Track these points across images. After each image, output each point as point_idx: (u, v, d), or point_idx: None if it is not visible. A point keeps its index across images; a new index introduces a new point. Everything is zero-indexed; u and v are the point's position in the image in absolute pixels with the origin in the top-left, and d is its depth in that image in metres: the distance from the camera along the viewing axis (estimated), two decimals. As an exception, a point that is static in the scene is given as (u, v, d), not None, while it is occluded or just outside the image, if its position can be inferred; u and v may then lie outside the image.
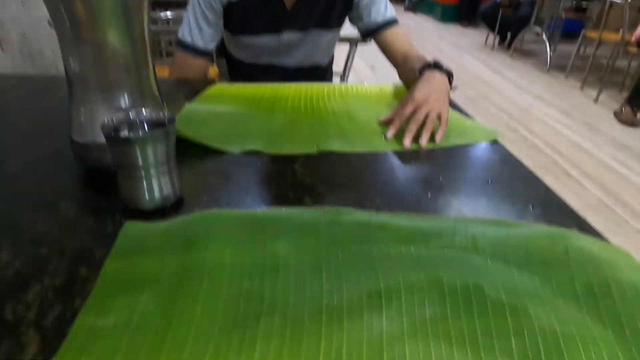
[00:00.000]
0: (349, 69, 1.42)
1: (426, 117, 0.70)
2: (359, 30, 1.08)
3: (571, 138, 2.67)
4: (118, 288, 0.37)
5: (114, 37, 0.48)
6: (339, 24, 1.08)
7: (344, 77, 1.43)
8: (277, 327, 0.34)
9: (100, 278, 0.38)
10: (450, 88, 0.82)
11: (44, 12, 1.31)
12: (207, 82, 1.00)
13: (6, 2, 1.34)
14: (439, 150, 0.68)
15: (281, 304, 0.37)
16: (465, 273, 0.41)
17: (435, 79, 0.78)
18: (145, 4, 0.50)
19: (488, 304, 0.37)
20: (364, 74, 3.69)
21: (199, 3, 0.97)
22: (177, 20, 1.66)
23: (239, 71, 1.15)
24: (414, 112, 0.71)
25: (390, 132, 0.70)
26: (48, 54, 1.52)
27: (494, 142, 0.71)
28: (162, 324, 0.34)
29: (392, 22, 1.02)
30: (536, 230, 0.47)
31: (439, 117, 0.71)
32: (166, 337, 0.33)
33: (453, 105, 0.87)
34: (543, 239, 0.45)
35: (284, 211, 0.49)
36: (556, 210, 0.53)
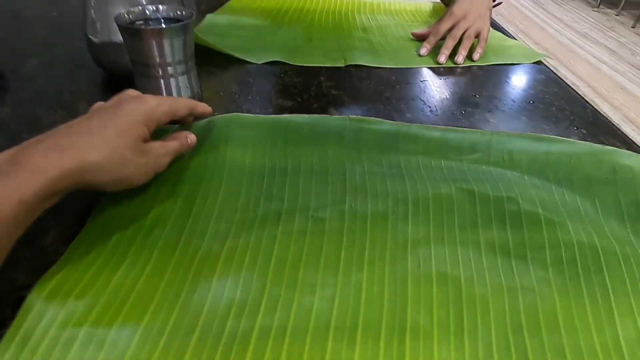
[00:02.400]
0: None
1: (464, 33, 0.64)
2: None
3: (615, 79, 2.49)
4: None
5: None
6: None
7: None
8: (298, 226, 0.33)
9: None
10: (494, 3, 0.75)
11: None
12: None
13: None
14: (476, 68, 0.63)
15: (302, 206, 0.35)
16: (500, 186, 0.38)
17: None
18: None
19: (523, 216, 0.35)
20: None
21: None
22: None
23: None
24: (451, 29, 0.65)
25: (424, 49, 0.65)
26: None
27: (538, 64, 0.65)
28: (179, 220, 0.33)
29: None
30: (581, 146, 0.43)
31: (478, 35, 0.65)
32: (183, 232, 0.32)
33: (495, 25, 0.79)
34: (588, 156, 0.42)
35: (308, 117, 0.46)
36: (604, 132, 0.48)
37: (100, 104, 0.36)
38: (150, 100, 0.34)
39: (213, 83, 0.56)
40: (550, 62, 2.69)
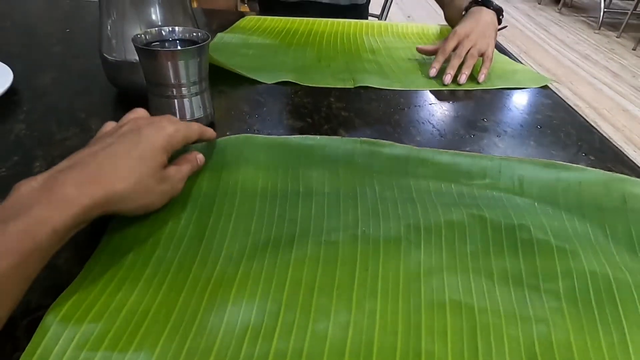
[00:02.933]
0: (388, 9, 1.34)
1: (468, 52, 0.66)
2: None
3: (617, 101, 2.51)
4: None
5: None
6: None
7: (381, 17, 1.36)
8: (311, 251, 0.33)
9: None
10: (499, 25, 0.76)
11: None
12: (238, 13, 0.96)
13: None
14: (483, 92, 0.63)
15: (315, 229, 0.35)
16: (510, 212, 0.38)
17: (482, 13, 0.72)
18: None
19: (535, 245, 0.35)
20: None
21: None
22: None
23: (271, 9, 1.09)
24: (456, 47, 0.66)
25: (433, 70, 0.66)
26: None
27: (545, 88, 0.66)
28: (193, 242, 0.34)
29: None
30: (591, 174, 0.44)
31: (483, 55, 0.66)
32: (196, 254, 0.32)
33: (501, 48, 0.81)
34: (598, 184, 0.42)
35: (319, 139, 0.47)
36: (611, 158, 0.49)
37: (111, 124, 0.37)
38: (168, 127, 0.35)
39: (224, 102, 0.56)
40: (553, 84, 2.71)
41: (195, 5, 1.03)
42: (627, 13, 3.55)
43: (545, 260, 0.34)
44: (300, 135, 0.47)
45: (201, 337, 0.27)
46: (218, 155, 0.43)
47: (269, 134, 0.49)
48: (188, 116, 0.46)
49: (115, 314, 0.28)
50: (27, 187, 0.27)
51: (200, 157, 0.40)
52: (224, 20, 0.87)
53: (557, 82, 2.72)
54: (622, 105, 2.47)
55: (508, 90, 0.64)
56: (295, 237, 0.34)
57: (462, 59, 0.65)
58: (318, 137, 0.47)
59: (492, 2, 0.76)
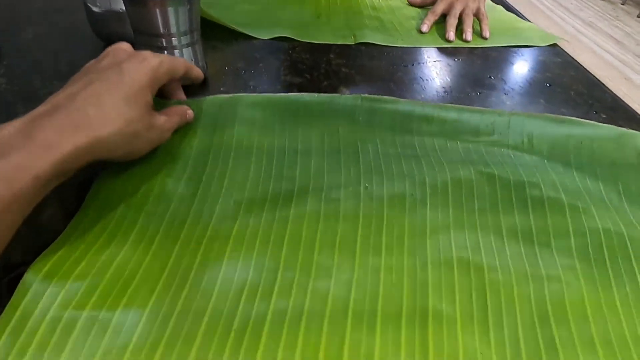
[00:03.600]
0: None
1: (463, 14, 0.64)
2: None
3: (620, 69, 2.46)
4: (137, 161, 0.34)
5: None
6: None
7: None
8: (311, 207, 0.31)
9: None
10: None
11: None
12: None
13: None
14: (489, 50, 0.60)
15: (315, 186, 0.33)
16: (520, 170, 0.36)
17: None
18: None
19: (545, 202, 0.33)
20: None
21: None
22: None
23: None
24: (447, 10, 0.64)
25: (425, 26, 0.63)
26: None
27: (553, 47, 0.63)
28: (185, 198, 0.31)
29: None
30: (603, 129, 0.42)
31: (477, 14, 0.64)
32: (189, 210, 0.31)
33: (508, 6, 0.77)
34: (611, 140, 0.40)
35: (317, 96, 0.44)
36: (624, 117, 0.47)
37: (93, 63, 0.33)
38: (151, 60, 0.32)
39: (218, 58, 0.53)
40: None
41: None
42: (633, -22, 3.44)
43: (557, 218, 0.32)
44: (298, 93, 0.45)
45: (195, 296, 0.25)
46: (210, 112, 0.40)
47: (265, 91, 0.46)
48: (179, 70, 0.44)
49: (102, 271, 0.26)
50: (3, 133, 0.25)
51: (190, 112, 0.37)
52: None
53: (566, 40, 2.66)
54: (624, 74, 2.42)
55: (515, 48, 0.61)
56: (294, 193, 0.32)
57: (457, 19, 0.63)
58: (316, 94, 0.45)
59: None
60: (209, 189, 0.33)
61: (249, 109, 0.41)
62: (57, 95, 0.28)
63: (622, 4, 3.48)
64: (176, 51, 0.43)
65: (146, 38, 0.42)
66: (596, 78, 0.55)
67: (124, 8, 0.44)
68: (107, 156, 0.29)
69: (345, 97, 0.44)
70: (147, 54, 0.32)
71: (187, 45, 0.43)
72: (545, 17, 3.15)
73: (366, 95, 0.44)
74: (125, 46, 0.34)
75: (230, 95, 0.43)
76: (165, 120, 0.33)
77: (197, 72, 0.39)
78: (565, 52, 0.62)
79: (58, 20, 0.59)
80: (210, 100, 0.41)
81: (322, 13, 0.67)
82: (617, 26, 3.05)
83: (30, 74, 0.47)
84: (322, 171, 0.35)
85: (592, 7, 3.41)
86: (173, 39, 0.42)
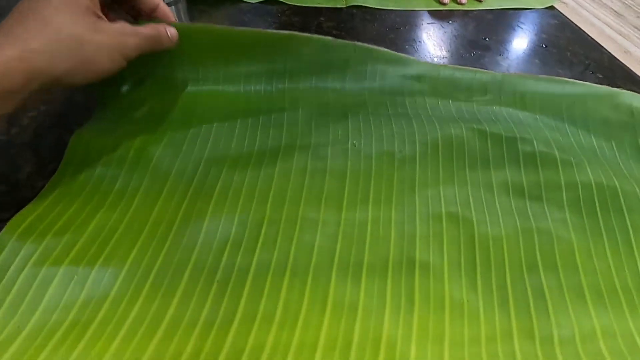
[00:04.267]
0: None
1: None
2: None
3: (619, 42, 2.43)
4: (117, 113, 0.33)
5: None
6: None
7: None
8: (297, 164, 0.30)
9: (98, 102, 0.34)
10: None
11: None
12: None
13: None
14: (485, 12, 0.59)
15: (302, 144, 0.32)
16: (512, 127, 0.35)
17: None
18: None
19: (537, 157, 0.32)
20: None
21: None
22: None
23: None
24: None
25: None
26: None
27: (551, 9, 0.61)
28: (167, 154, 0.30)
29: None
30: (597, 89, 0.41)
31: None
32: (172, 167, 0.30)
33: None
34: (604, 98, 0.39)
35: (309, 37, 0.40)
36: (620, 76, 0.46)
37: None
38: None
39: (202, 21, 0.51)
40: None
41: None
42: (635, -51, 3.36)
43: (549, 172, 0.31)
44: (290, 32, 0.41)
45: (176, 250, 0.25)
46: (189, 49, 0.37)
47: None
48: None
49: (82, 228, 0.25)
50: None
51: (172, 31, 0.31)
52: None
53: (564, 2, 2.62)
54: (624, 47, 2.39)
55: (511, 11, 0.60)
56: (280, 149, 0.31)
57: None
58: (308, 35, 0.41)
59: None
60: (195, 143, 0.32)
61: (235, 49, 0.37)
62: None
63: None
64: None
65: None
66: (593, 39, 0.54)
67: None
68: (52, 72, 0.25)
69: (338, 46, 0.41)
70: None
71: (169, 4, 0.41)
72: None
73: (360, 44, 0.42)
74: None
75: (219, 27, 0.38)
76: (124, 24, 0.28)
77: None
78: (563, 14, 0.61)
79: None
80: (187, 31, 0.37)
81: (312, -24, 0.65)
82: (618, -2, 3.00)
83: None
84: (310, 129, 0.34)
85: (593, -20, 3.34)
86: (154, -4, 0.40)
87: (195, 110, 0.35)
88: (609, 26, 2.35)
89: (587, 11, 2.47)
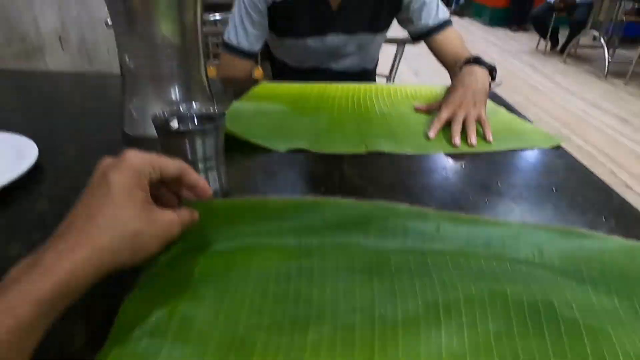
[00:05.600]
0: (396, 70, 1.39)
1: (466, 118, 0.69)
2: (410, 33, 1.04)
3: (631, 148, 2.49)
4: (160, 280, 0.36)
5: (167, 31, 0.48)
6: (386, 26, 1.05)
7: (390, 78, 1.40)
8: (327, 335, 0.32)
9: (143, 271, 0.38)
10: (493, 80, 0.79)
11: (102, 13, 1.37)
12: (253, 81, 1.00)
13: (68, 4, 1.41)
14: (495, 155, 0.64)
15: (330, 312, 0.34)
16: (532, 287, 0.37)
17: (472, 74, 0.76)
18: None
19: (561, 323, 0.33)
20: (407, 80, 3.62)
21: (244, 4, 0.97)
22: (225, 22, 1.69)
23: (283, 74, 1.14)
24: (453, 115, 0.69)
25: (432, 132, 0.68)
26: (104, 53, 1.59)
27: (557, 148, 0.66)
28: (205, 328, 0.33)
29: (445, 24, 0.98)
30: (612, 242, 0.42)
31: (479, 119, 0.69)
32: (209, 340, 0.32)
33: (510, 107, 0.82)
34: (621, 252, 0.41)
35: (332, 201, 0.46)
36: (633, 223, 0.48)
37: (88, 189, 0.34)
38: (134, 160, 0.33)
39: (239, 173, 0.57)
40: (563, 132, 2.73)
41: (213, 73, 1.08)
42: (631, 62, 3.61)
43: (574, 341, 0.32)
44: (313, 198, 0.46)
45: None
46: (225, 220, 0.42)
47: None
48: (204, 190, 0.47)
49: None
50: (18, 265, 0.27)
51: (195, 214, 0.38)
52: (240, 87, 0.90)
53: (566, 128, 2.73)
54: (636, 152, 2.44)
55: (519, 152, 0.65)
56: (311, 320, 0.33)
57: (460, 125, 0.68)
58: (332, 199, 0.46)
59: (485, 62, 0.79)
60: (232, 313, 0.34)
61: (265, 218, 0.43)
62: (60, 226, 0.30)
63: (625, 84, 3.61)
64: (201, 174, 0.47)
65: (175, 164, 0.46)
66: (602, 181, 0.57)
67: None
68: (114, 263, 0.29)
69: (360, 204, 0.46)
70: (130, 155, 0.33)
71: (212, 168, 0.47)
72: (548, 99, 3.27)
73: (380, 203, 0.46)
74: (109, 160, 0.34)
75: (241, 200, 0.44)
76: (171, 215, 0.34)
77: (203, 188, 0.38)
78: (569, 153, 0.65)
79: (98, 140, 0.66)
80: (222, 205, 0.43)
81: (335, 122, 0.73)
82: (623, 106, 3.14)
83: (68, 195, 0.51)
84: (337, 294, 0.36)
85: (596, 89, 3.54)
86: (199, 164, 0.46)
87: (230, 273, 0.38)
88: (619, 133, 2.45)
89: (595, 118, 2.60)
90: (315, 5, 0.96)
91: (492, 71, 0.79)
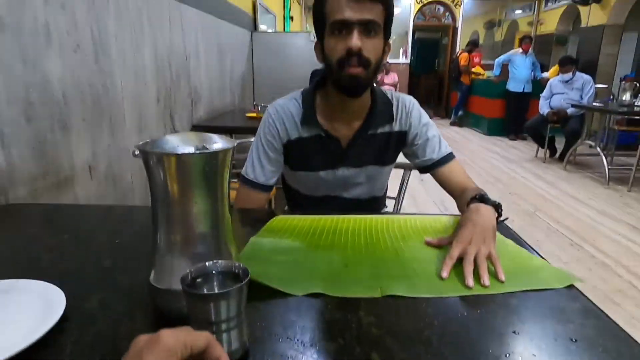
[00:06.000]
0: (404, 194, 1.45)
1: (477, 256, 0.72)
2: (415, 166, 1.12)
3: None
4: None
5: (200, 199, 0.54)
6: (393, 160, 1.14)
7: (398, 201, 1.46)
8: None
9: None
10: (499, 218, 0.83)
11: (128, 143, 1.50)
12: (268, 212, 1.06)
13: (100, 137, 1.55)
14: (510, 298, 0.64)
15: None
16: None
17: (479, 213, 0.80)
18: (229, 164, 0.56)
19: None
20: (413, 187, 3.73)
21: (262, 142, 1.06)
22: (241, 149, 1.82)
23: (296, 202, 1.20)
24: (464, 252, 0.73)
25: (445, 272, 0.70)
26: (127, 179, 1.70)
27: (570, 288, 0.67)
28: None
29: (447, 158, 1.06)
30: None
31: (489, 257, 0.72)
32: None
33: (520, 242, 0.84)
34: None
35: None
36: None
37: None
38: (167, 340, 0.35)
39: (258, 322, 0.58)
40: (574, 240, 2.72)
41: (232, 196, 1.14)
42: (631, 168, 3.72)
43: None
44: None
45: None
46: None
47: (302, 362, 0.49)
48: (225, 349, 0.48)
49: None
50: None
51: None
52: (257, 219, 0.95)
53: (577, 237, 2.72)
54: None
55: (533, 294, 0.65)
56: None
57: (472, 265, 0.70)
58: None
59: (489, 199, 0.84)
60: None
61: None
62: None
63: (629, 191, 3.68)
64: (224, 334, 0.48)
65: (199, 324, 0.47)
66: (620, 327, 0.57)
67: (181, 288, 0.51)
68: None
69: None
70: (163, 334, 0.36)
71: (235, 326, 0.49)
72: (556, 207, 3.32)
73: None
74: (145, 337, 0.37)
75: None
76: None
77: (219, 356, 0.40)
78: (583, 294, 0.65)
79: (122, 284, 0.68)
80: None
81: (349, 261, 0.75)
82: (631, 213, 3.16)
83: (92, 348, 0.52)
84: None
85: (600, 196, 3.60)
86: (223, 324, 0.47)
87: None
88: (631, 241, 2.42)
89: (605, 227, 2.59)
90: (327, 143, 1.05)
91: (497, 208, 0.84)
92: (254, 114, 2.78)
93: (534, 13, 8.28)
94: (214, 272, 0.52)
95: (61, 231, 0.91)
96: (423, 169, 1.10)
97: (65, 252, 0.81)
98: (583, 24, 6.61)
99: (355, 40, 0.87)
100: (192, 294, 0.47)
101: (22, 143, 1.16)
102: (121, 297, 0.65)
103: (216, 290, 0.51)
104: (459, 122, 7.52)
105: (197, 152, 0.53)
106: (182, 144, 0.54)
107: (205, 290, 0.51)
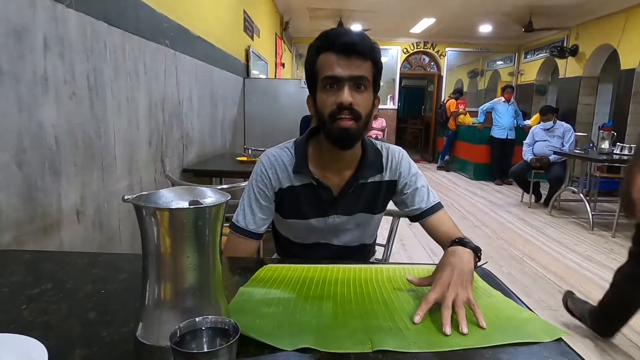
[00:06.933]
0: (393, 241, 1.46)
1: (455, 301, 0.73)
2: (404, 214, 1.14)
3: None
4: None
5: (192, 253, 0.54)
6: (383, 208, 1.16)
7: (387, 248, 1.47)
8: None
9: None
10: (478, 261, 0.85)
11: (120, 186, 1.50)
12: (257, 260, 1.05)
13: (90, 181, 1.55)
14: (498, 352, 0.64)
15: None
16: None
17: (456, 255, 0.83)
18: (221, 217, 0.57)
19: None
20: (402, 231, 3.74)
21: (254, 191, 1.08)
22: (232, 192, 1.83)
23: (286, 248, 1.20)
24: (442, 297, 0.74)
25: (417, 317, 0.71)
26: (115, 223, 1.68)
27: (558, 341, 0.67)
28: None
29: (436, 208, 1.08)
30: None
31: (468, 302, 0.73)
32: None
33: (508, 293, 0.85)
34: None
35: None
36: None
37: None
38: None
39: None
40: (562, 286, 2.72)
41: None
42: (614, 214, 3.80)
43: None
44: None
45: None
46: None
47: None
48: (213, 410, 0.47)
49: None
50: None
51: None
52: (246, 267, 0.95)
53: (565, 283, 2.73)
54: (641, 309, 2.40)
55: (523, 348, 0.65)
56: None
57: (450, 309, 0.71)
58: None
59: (469, 242, 0.87)
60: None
61: None
62: None
63: (613, 237, 3.73)
64: (213, 393, 0.47)
65: (188, 384, 0.47)
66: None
67: (169, 344, 0.50)
68: None
69: None
70: None
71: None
72: (543, 253, 3.35)
73: None
74: None
75: None
76: None
77: None
78: (572, 348, 0.66)
79: (107, 338, 0.66)
80: None
81: (339, 313, 0.75)
82: (615, 259, 3.19)
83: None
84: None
85: (585, 241, 3.65)
86: (212, 383, 0.47)
87: None
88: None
89: (591, 272, 2.60)
90: (318, 191, 1.06)
91: (476, 252, 0.86)
92: (245, 158, 2.81)
93: (514, 64, 8.70)
94: (203, 328, 0.52)
95: (45, 280, 0.89)
96: (412, 218, 1.12)
97: (49, 303, 0.79)
98: (561, 75, 6.96)
99: (347, 95, 0.91)
100: (181, 352, 0.47)
101: (11, 188, 1.15)
102: (106, 353, 0.63)
103: (205, 349, 0.50)
104: (446, 167, 7.67)
105: (191, 207, 0.54)
106: (176, 198, 0.56)
107: (194, 347, 0.50)
